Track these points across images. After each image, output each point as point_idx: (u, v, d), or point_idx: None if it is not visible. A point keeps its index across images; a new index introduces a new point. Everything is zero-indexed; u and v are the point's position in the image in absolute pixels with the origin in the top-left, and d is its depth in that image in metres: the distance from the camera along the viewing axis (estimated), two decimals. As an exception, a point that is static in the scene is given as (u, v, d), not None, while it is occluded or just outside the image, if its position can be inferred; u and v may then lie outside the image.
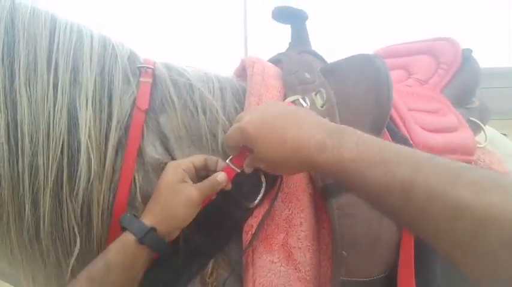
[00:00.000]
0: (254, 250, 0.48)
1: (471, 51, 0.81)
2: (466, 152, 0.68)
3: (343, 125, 0.40)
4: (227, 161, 0.49)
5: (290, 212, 0.50)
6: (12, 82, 0.42)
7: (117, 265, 0.41)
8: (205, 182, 0.46)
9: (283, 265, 0.47)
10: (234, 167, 0.48)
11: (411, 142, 0.61)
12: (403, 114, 0.63)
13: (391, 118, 0.63)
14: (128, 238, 0.41)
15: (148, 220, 0.43)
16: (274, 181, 0.50)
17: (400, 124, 0.62)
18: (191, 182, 0.46)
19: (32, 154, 0.42)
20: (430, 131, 0.67)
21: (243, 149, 0.47)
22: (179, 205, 0.43)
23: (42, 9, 0.47)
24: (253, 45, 2.41)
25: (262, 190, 0.49)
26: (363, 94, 0.55)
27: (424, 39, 0.90)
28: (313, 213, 0.51)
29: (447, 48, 0.84)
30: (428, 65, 0.85)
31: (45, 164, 0.43)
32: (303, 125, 0.40)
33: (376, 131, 0.53)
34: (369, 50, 1.05)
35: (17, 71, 0.42)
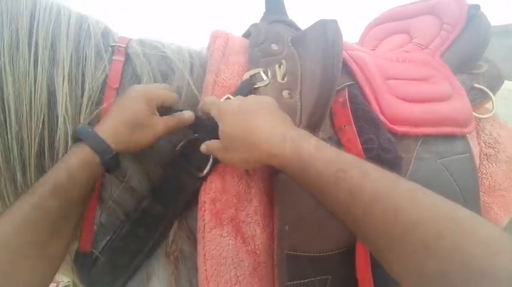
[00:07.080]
0: (206, 224, 0.50)
1: (478, 7, 0.70)
2: (456, 124, 0.62)
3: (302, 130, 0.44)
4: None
5: (240, 187, 0.50)
6: None
7: (82, 180, 0.42)
8: (173, 119, 0.49)
9: (231, 238, 0.49)
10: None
11: (380, 116, 0.56)
12: (376, 85, 0.59)
13: (362, 92, 0.59)
14: (93, 157, 0.42)
15: (111, 141, 0.43)
16: None
17: (371, 97, 0.58)
18: (158, 114, 0.48)
19: (18, 127, 0.46)
20: (413, 101, 0.61)
21: None
22: (146, 136, 0.46)
23: None
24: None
25: (211, 160, 0.51)
26: (314, 67, 0.52)
27: (430, -3, 0.81)
28: (267, 188, 0.51)
29: (452, 6, 0.74)
30: (430, 26, 0.77)
31: (29, 136, 0.47)
32: (266, 121, 0.45)
33: (322, 106, 0.50)
34: (373, 14, 0.97)
35: (1, 50, 0.45)
